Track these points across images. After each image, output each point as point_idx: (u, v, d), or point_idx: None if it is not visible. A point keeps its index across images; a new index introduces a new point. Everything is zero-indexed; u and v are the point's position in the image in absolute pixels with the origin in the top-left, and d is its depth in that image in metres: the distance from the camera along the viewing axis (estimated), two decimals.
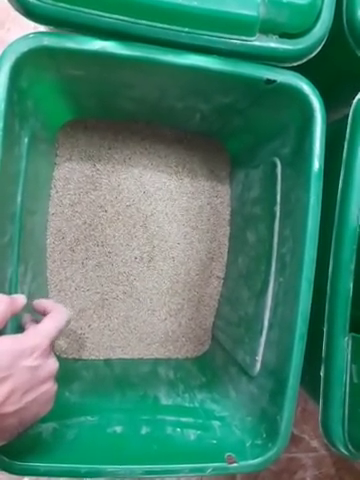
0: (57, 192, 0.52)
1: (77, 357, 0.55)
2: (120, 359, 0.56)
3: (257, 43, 0.34)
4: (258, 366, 0.43)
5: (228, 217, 0.57)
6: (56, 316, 0.34)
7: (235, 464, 0.37)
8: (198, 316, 0.58)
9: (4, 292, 0.37)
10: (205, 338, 0.58)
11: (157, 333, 0.57)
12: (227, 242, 0.57)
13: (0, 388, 0.27)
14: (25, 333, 0.31)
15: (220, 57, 0.34)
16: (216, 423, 0.43)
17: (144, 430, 0.41)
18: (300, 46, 0.35)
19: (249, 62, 0.35)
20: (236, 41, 0.34)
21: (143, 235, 0.55)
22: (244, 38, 0.34)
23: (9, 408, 0.28)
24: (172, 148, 0.55)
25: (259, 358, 0.43)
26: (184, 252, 0.56)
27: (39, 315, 0.37)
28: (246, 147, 0.50)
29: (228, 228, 0.57)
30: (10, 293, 0.38)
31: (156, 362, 0.56)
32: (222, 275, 0.57)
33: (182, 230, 0.56)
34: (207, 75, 0.35)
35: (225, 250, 0.57)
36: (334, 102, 0.40)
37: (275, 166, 0.42)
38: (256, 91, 0.37)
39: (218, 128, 0.51)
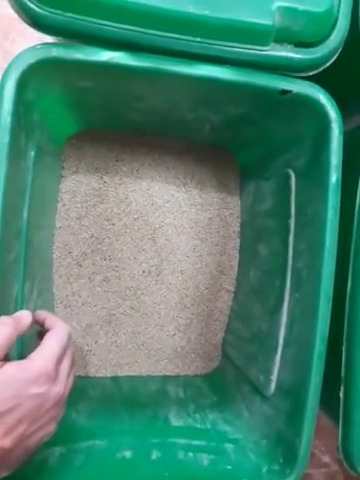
0: (64, 205, 0.50)
1: (83, 374, 0.53)
2: (128, 376, 0.54)
3: (271, 52, 0.33)
4: (273, 386, 0.41)
5: (238, 229, 0.55)
6: (57, 333, 0.32)
7: None
8: (208, 331, 0.56)
9: (9, 311, 0.35)
10: (215, 354, 0.57)
11: (165, 349, 0.55)
12: (237, 255, 0.55)
13: (7, 420, 0.25)
14: (29, 358, 0.29)
15: (233, 67, 0.33)
16: (229, 446, 0.42)
17: (155, 455, 0.39)
18: (316, 55, 0.33)
19: (263, 72, 0.33)
20: (250, 51, 0.33)
21: (151, 248, 0.54)
22: (258, 47, 0.33)
23: (16, 440, 0.26)
24: (180, 159, 0.54)
25: (274, 377, 0.41)
26: (193, 265, 0.55)
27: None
28: (257, 158, 0.49)
29: (238, 240, 0.55)
30: (15, 312, 0.37)
31: (165, 379, 0.54)
32: (232, 289, 0.56)
33: (191, 243, 0.55)
34: (219, 86, 0.34)
35: (235, 263, 0.55)
36: (349, 111, 0.39)
37: (289, 178, 0.41)
38: (270, 102, 0.36)
39: (228, 139, 0.49)
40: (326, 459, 0.69)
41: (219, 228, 0.55)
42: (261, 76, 0.33)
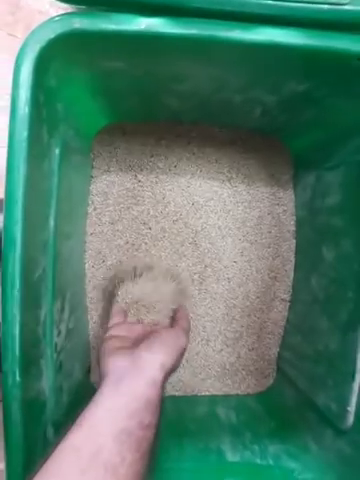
0: (95, 209, 0.45)
1: None
2: (172, 397, 0.48)
3: (350, 7, 0.26)
4: (351, 418, 0.34)
5: (293, 228, 0.48)
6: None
7: None
8: (260, 346, 0.49)
9: (37, 339, 0.30)
10: (269, 371, 0.50)
11: (213, 366, 0.49)
12: (293, 258, 0.48)
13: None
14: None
15: (303, 29, 0.26)
16: None
17: None
18: None
19: (341, 33, 0.26)
20: (323, 6, 0.26)
21: (193, 254, 0.47)
22: (333, 2, 0.26)
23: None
24: (223, 151, 0.47)
25: (352, 409, 0.34)
26: (241, 271, 0.48)
27: None
28: (316, 145, 0.42)
29: (294, 241, 0.48)
30: (45, 337, 0.31)
31: (213, 400, 0.48)
32: (288, 297, 0.49)
33: (238, 246, 0.48)
34: (282, 55, 0.27)
35: (291, 268, 0.48)
36: None
37: None
38: (344, 72, 0.29)
39: (281, 124, 0.42)
40: None
41: (271, 228, 0.48)
42: (339, 38, 0.26)
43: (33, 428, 0.29)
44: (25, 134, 0.25)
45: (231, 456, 0.39)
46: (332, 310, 0.39)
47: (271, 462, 0.39)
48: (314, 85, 0.32)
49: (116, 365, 0.31)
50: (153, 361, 0.31)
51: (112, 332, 0.37)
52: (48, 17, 0.52)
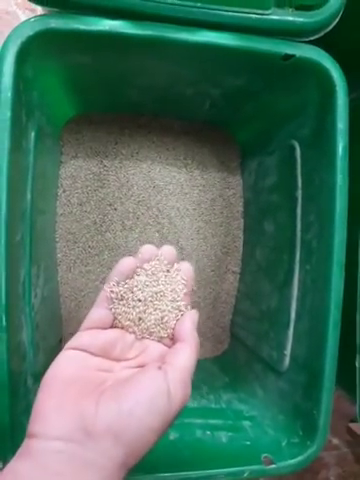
0: (64, 191, 0.49)
1: None
2: None
3: (273, 17, 0.32)
4: (287, 361, 0.41)
5: (241, 209, 0.55)
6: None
7: (273, 465, 0.35)
8: (215, 314, 0.56)
9: (18, 295, 0.35)
10: (224, 337, 0.56)
11: None
12: (242, 235, 0.55)
13: None
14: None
15: (235, 33, 0.32)
16: (246, 423, 0.41)
17: (172, 435, 0.38)
18: (317, 18, 0.33)
19: (265, 37, 0.33)
20: (251, 15, 0.32)
21: (155, 233, 0.53)
22: (259, 12, 0.32)
23: None
24: (180, 140, 0.53)
25: (288, 352, 0.41)
26: (198, 248, 0.54)
27: None
28: (258, 134, 0.49)
29: (242, 220, 0.55)
30: (24, 296, 0.36)
31: None
32: (238, 270, 0.55)
33: (195, 225, 0.54)
34: (221, 54, 0.33)
35: (240, 244, 0.55)
36: (352, 78, 0.38)
37: (293, 150, 0.40)
38: (272, 69, 0.36)
39: (228, 117, 0.49)
40: (336, 441, 0.69)
41: (222, 209, 0.54)
42: (263, 41, 0.33)
43: (16, 372, 0.33)
44: (8, 114, 0.29)
45: (190, 404, 0.45)
46: (272, 274, 0.45)
47: (224, 406, 0.45)
48: (249, 80, 0.38)
49: (55, 429, 0.21)
50: (114, 458, 0.20)
51: (81, 341, 0.26)
52: (15, 17, 0.57)
